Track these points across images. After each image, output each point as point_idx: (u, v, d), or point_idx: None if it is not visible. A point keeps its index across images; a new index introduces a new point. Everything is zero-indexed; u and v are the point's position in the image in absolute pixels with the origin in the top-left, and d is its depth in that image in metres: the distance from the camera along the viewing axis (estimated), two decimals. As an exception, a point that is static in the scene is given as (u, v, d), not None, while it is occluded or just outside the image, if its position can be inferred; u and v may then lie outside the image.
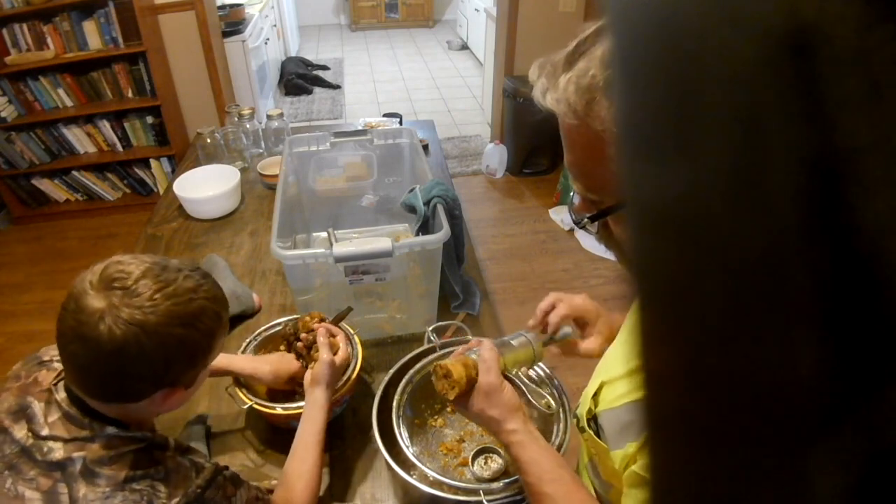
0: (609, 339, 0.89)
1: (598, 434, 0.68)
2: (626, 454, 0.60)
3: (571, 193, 0.60)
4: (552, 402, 0.88)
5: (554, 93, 0.51)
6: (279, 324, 1.17)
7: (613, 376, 0.65)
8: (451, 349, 0.80)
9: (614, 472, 0.64)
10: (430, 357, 1.08)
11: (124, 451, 0.69)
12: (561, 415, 0.95)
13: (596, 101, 0.49)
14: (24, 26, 2.89)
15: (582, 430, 0.72)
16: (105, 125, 3.24)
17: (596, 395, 0.68)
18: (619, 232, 0.57)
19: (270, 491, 0.86)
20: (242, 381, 1.05)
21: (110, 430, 0.69)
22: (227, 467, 0.77)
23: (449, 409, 1.13)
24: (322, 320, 1.12)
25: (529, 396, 0.85)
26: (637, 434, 0.59)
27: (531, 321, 0.91)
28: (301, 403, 1.01)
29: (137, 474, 0.68)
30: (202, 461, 0.75)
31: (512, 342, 0.84)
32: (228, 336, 1.07)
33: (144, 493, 0.67)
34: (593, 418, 0.68)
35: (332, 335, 1.04)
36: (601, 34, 0.49)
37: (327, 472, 1.05)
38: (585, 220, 0.57)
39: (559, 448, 0.89)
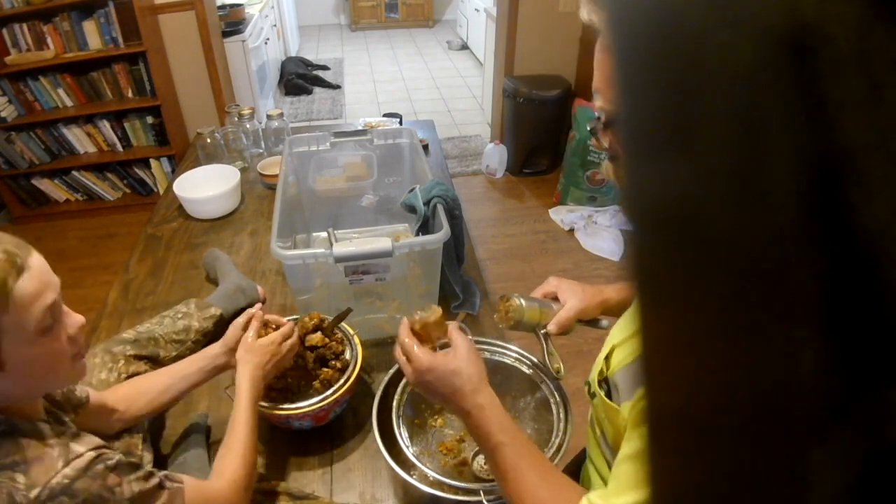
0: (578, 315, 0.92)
1: (608, 395, 0.72)
2: (637, 400, 0.64)
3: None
4: (562, 368, 0.92)
5: (591, 5, 0.59)
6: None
7: (624, 337, 0.71)
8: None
9: (622, 433, 0.67)
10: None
11: None
12: (562, 415, 0.95)
13: None
14: (24, 26, 2.89)
15: (593, 395, 0.75)
16: (105, 125, 3.24)
17: (608, 359, 0.72)
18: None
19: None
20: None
21: None
22: (114, 456, 0.70)
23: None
24: (322, 321, 1.12)
25: (546, 357, 0.92)
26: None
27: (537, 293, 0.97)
28: (301, 403, 1.01)
29: None
30: (81, 449, 0.68)
31: (551, 303, 0.93)
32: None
33: (3, 486, 0.63)
34: (604, 380, 0.73)
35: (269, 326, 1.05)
36: None
37: (328, 471, 1.05)
38: (591, 129, 0.63)
39: (559, 448, 0.89)
